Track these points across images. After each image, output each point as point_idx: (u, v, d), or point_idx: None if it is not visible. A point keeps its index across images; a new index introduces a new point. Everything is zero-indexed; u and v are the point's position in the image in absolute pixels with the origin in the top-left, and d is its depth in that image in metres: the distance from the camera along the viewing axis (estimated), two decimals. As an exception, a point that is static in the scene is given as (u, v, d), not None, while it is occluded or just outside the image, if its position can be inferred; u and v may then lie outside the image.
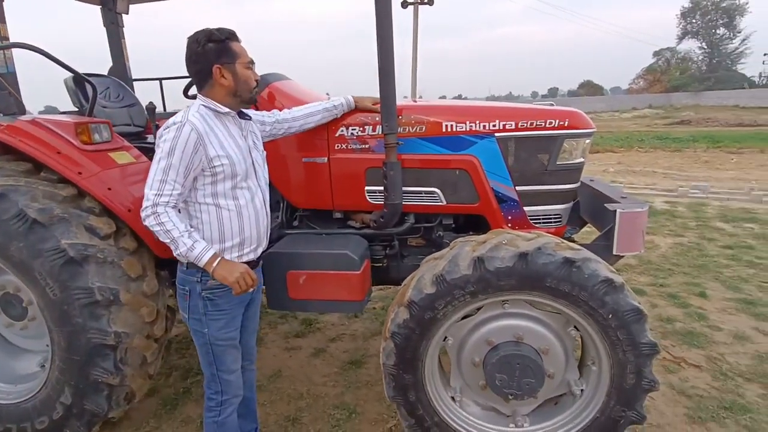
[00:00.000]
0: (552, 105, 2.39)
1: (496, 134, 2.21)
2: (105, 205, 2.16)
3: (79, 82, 2.79)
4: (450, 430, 2.04)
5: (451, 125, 2.23)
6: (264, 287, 2.17)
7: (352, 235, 2.41)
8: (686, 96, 40.57)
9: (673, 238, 5.64)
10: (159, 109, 3.48)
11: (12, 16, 2.42)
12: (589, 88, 60.47)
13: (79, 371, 2.11)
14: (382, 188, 2.24)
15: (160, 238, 1.63)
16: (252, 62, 1.75)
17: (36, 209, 2.02)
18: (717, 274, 4.46)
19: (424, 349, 1.94)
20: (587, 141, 2.32)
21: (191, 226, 1.69)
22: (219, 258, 1.66)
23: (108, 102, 3.10)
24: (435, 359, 2.05)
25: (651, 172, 11.02)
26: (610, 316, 1.77)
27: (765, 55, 50.59)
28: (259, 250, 1.88)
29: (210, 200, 1.70)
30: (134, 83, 3.60)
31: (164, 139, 1.60)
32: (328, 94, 2.57)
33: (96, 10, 3.36)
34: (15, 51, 2.36)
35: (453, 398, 2.08)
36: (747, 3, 47.76)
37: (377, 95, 2.10)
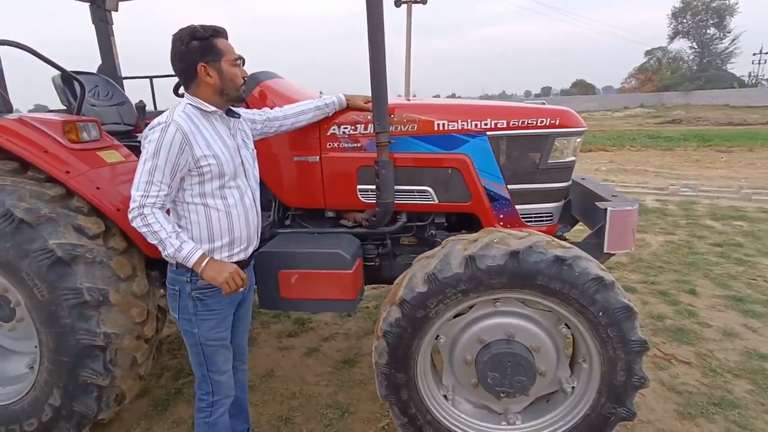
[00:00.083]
0: (543, 104, 2.40)
1: (488, 133, 2.22)
2: (93, 204, 2.13)
3: (68, 80, 2.75)
4: (442, 429, 2.05)
5: (443, 124, 2.23)
6: (256, 287, 2.16)
7: (345, 234, 2.40)
8: (677, 95, 40.99)
9: (664, 236, 5.70)
10: (149, 107, 3.46)
11: (-1, 14, 2.40)
12: (582, 88, 60.90)
13: (68, 373, 2.08)
14: (374, 187, 2.23)
15: (148, 240, 1.61)
16: (239, 59, 1.71)
17: (23, 209, 1.99)
18: (707, 271, 4.51)
19: (416, 347, 1.94)
20: (578, 139, 2.33)
21: (180, 226, 1.68)
22: (208, 258, 1.65)
23: (97, 100, 3.07)
24: (427, 358, 2.06)
25: (642, 170, 11.12)
26: (601, 313, 1.78)
27: (755, 54, 51.32)
28: (250, 250, 1.87)
29: (198, 200, 1.68)
30: (124, 81, 3.57)
31: (149, 140, 1.58)
32: (321, 92, 2.56)
33: (85, 6, 3.33)
34: (2, 48, 2.33)
35: (445, 396, 2.09)
36: (737, 3, 48.47)
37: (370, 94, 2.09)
